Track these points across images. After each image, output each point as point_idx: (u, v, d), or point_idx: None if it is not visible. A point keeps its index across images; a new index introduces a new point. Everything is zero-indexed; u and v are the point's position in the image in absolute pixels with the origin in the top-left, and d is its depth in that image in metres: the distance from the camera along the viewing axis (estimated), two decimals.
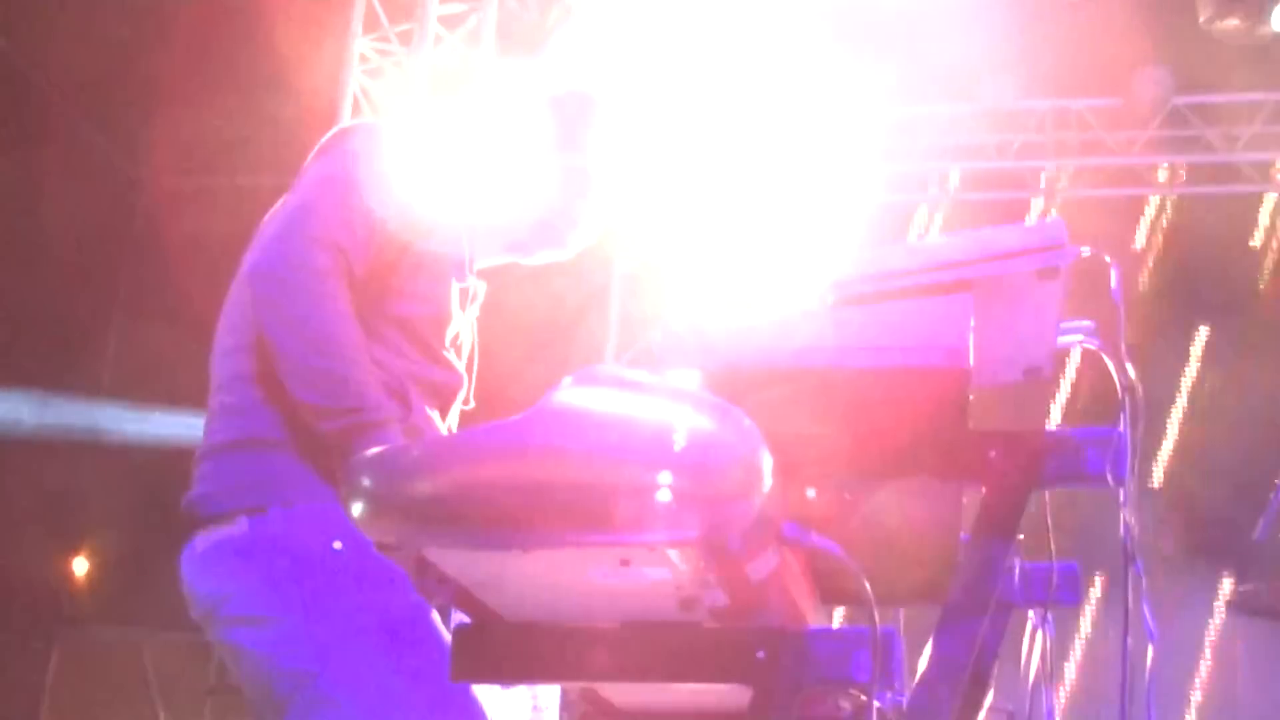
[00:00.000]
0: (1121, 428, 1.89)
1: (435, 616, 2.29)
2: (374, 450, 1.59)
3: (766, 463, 1.48)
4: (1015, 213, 8.90)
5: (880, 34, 7.89)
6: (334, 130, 2.53)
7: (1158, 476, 8.61)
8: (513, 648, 1.72)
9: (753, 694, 1.65)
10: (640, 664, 1.68)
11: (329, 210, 2.32)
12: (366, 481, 1.52)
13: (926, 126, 9.06)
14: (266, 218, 2.46)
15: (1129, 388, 1.96)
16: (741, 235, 8.51)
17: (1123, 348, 2.01)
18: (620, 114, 2.66)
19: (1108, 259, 1.99)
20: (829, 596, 2.06)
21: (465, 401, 2.55)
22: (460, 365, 2.54)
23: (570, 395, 1.49)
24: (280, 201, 2.46)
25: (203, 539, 2.32)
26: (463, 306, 2.53)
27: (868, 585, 1.62)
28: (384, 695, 2.18)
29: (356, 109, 7.13)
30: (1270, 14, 7.80)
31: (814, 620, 1.88)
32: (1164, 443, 8.69)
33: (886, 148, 9.15)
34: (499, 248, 2.66)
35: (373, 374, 2.28)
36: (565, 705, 5.46)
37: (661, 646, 1.67)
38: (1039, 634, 2.27)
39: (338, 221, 2.31)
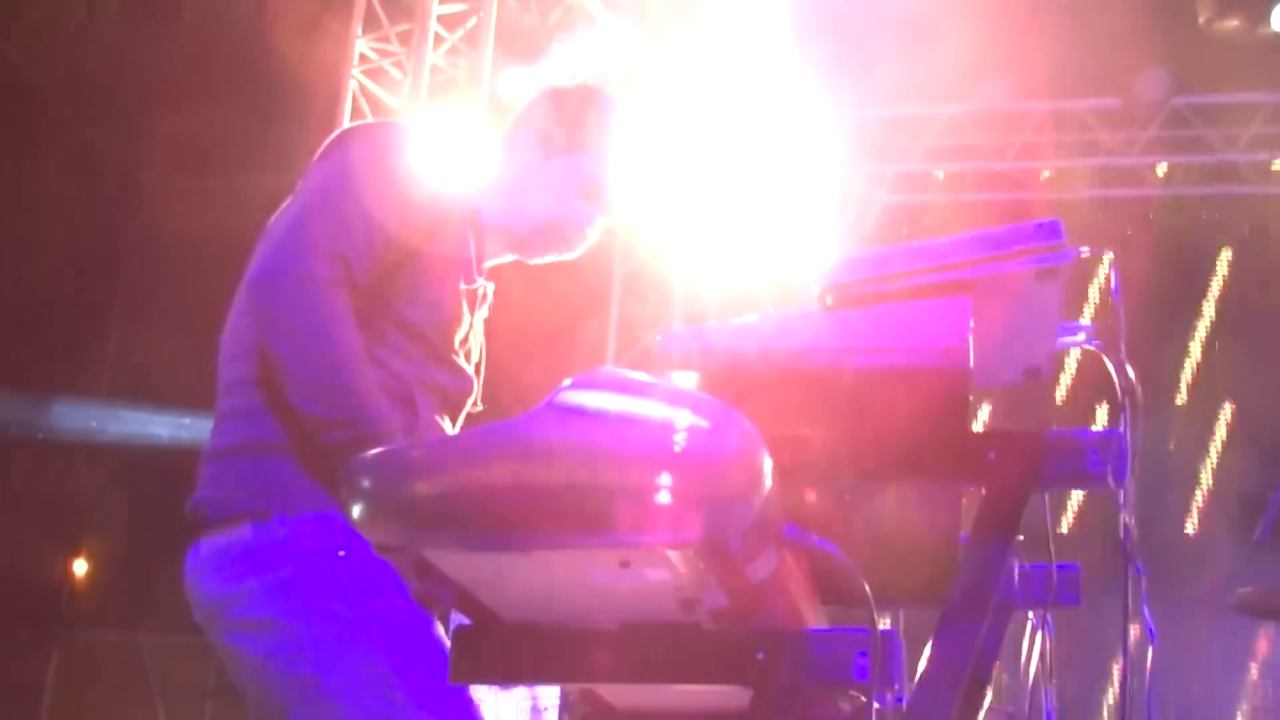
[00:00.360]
0: (1122, 429, 1.89)
1: (436, 626, 2.29)
2: (374, 451, 1.58)
3: (766, 464, 1.48)
4: (1015, 214, 8.90)
5: (880, 35, 7.89)
6: (337, 132, 2.52)
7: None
8: (513, 649, 1.72)
9: (753, 695, 1.65)
10: (640, 665, 1.68)
11: (330, 217, 2.30)
12: (366, 483, 1.51)
13: (926, 128, 9.06)
14: (269, 223, 2.43)
15: (1129, 389, 1.96)
16: (741, 236, 8.51)
17: (1123, 348, 2.01)
18: (624, 112, 2.64)
19: (1107, 259, 1.98)
20: (829, 597, 2.06)
21: (475, 404, 2.54)
22: (469, 368, 2.52)
23: (571, 397, 1.49)
24: (283, 205, 2.44)
25: (207, 543, 2.31)
26: (471, 309, 2.51)
27: (867, 586, 1.62)
28: (383, 702, 2.17)
29: (356, 109, 7.12)
30: (1270, 14, 7.80)
31: (814, 621, 1.87)
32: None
33: (886, 148, 9.15)
34: (504, 248, 2.65)
35: (375, 384, 2.26)
36: (565, 706, 5.46)
37: (661, 648, 1.66)
38: (1039, 635, 2.27)
39: (338, 228, 2.29)
